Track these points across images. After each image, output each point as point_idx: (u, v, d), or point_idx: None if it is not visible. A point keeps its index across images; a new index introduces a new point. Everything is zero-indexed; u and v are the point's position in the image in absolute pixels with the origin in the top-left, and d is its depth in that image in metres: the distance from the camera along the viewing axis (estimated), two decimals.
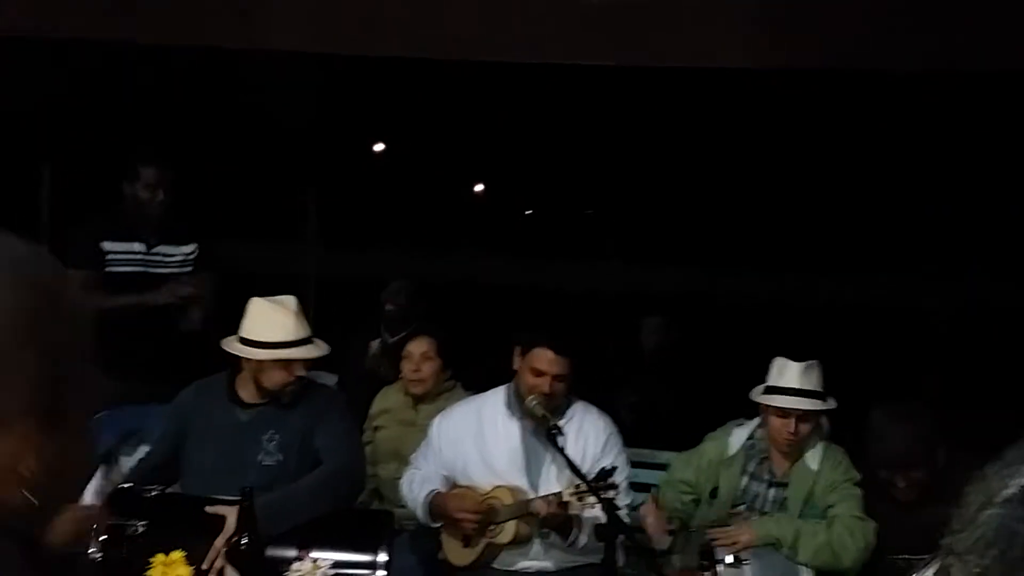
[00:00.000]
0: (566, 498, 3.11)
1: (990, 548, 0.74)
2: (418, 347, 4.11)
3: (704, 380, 5.74)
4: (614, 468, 3.12)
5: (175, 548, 2.59)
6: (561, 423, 3.36)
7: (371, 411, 4.25)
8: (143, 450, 3.83)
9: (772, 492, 3.42)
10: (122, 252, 4.37)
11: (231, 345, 3.29)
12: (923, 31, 3.37)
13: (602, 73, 4.43)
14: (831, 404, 3.43)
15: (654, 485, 3.73)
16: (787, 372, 3.39)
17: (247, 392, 3.35)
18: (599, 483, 3.01)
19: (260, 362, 3.25)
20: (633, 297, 7.28)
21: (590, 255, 13.87)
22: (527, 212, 18.28)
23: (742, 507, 3.42)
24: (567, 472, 3.19)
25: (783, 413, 3.37)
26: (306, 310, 3.38)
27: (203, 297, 4.37)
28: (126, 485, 3.34)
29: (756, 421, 3.52)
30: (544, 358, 3.39)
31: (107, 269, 4.34)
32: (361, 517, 3.20)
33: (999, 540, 0.73)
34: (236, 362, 3.33)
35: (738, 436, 3.51)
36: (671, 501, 3.53)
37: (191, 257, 4.49)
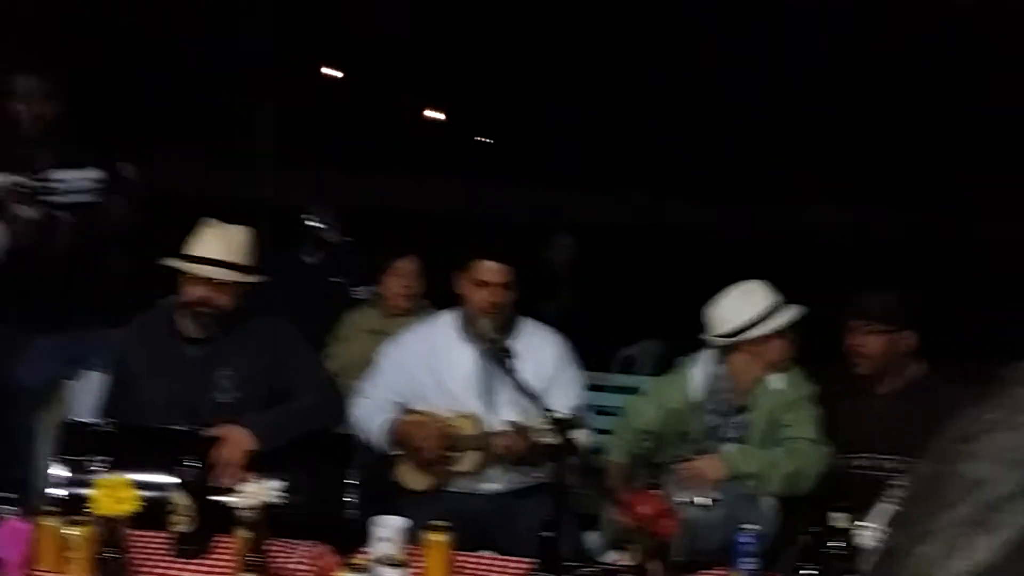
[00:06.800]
0: (532, 435, 3.09)
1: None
2: (410, 264, 4.34)
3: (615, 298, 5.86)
4: (582, 417, 3.11)
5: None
6: (511, 343, 3.35)
7: (340, 329, 4.41)
8: (88, 376, 3.77)
9: (733, 419, 3.37)
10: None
11: (168, 261, 3.22)
12: None
13: None
14: (799, 311, 3.34)
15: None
16: (737, 307, 3.31)
17: (187, 326, 3.27)
18: (568, 423, 2.88)
19: (183, 277, 3.19)
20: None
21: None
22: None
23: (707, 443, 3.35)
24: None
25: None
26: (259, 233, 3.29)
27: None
28: (76, 420, 3.28)
29: (709, 357, 3.43)
30: (485, 268, 3.38)
31: None
32: (329, 440, 3.23)
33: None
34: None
35: (699, 378, 3.41)
36: (626, 448, 3.46)
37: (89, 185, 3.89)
